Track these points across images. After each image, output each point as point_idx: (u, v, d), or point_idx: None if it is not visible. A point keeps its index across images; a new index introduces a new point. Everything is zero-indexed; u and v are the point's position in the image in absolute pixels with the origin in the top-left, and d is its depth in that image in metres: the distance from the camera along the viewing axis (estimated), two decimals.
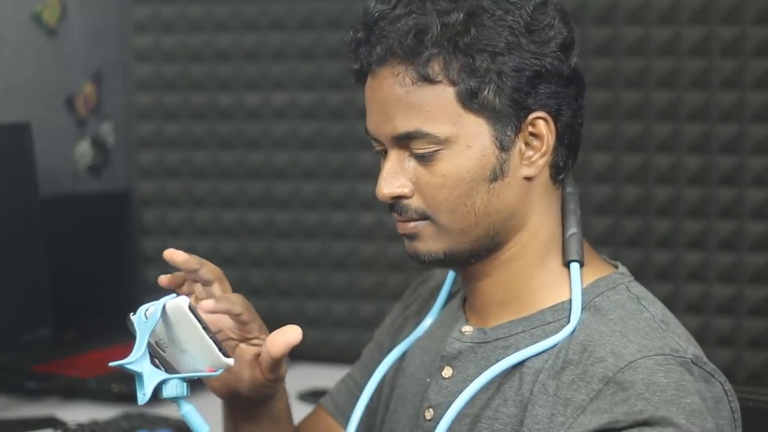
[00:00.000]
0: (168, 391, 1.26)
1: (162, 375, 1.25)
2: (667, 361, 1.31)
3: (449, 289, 1.54)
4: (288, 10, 2.87)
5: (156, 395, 1.26)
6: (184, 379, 1.26)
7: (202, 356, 1.25)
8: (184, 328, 1.22)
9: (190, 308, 1.20)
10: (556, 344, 1.36)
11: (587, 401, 1.30)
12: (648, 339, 1.34)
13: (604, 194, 2.66)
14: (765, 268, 2.55)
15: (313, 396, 2.53)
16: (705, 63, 2.58)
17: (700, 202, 2.59)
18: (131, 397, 2.50)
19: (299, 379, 2.69)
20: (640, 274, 2.60)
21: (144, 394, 1.25)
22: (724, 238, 2.58)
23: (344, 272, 2.87)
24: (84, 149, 2.89)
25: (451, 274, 1.54)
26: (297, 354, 2.86)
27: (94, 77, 2.91)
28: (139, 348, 1.24)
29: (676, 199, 2.61)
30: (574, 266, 1.40)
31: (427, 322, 1.54)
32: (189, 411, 1.26)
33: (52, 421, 2.24)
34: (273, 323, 3.07)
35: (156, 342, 1.26)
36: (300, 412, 2.55)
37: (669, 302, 2.59)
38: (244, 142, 2.91)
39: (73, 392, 2.46)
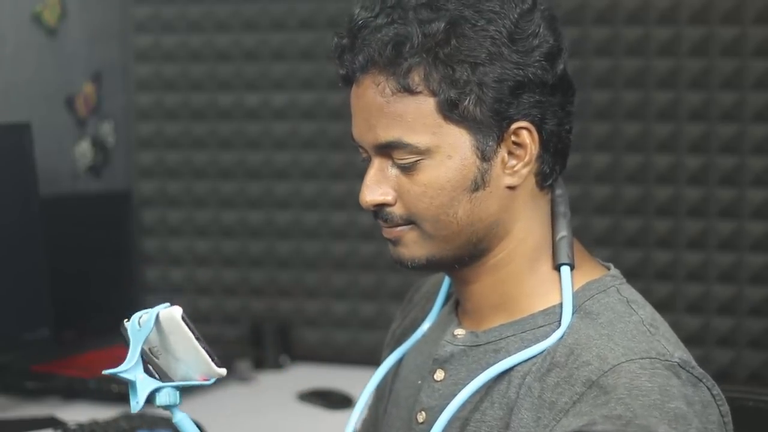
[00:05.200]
0: (161, 399, 1.26)
1: (155, 383, 1.26)
2: (653, 364, 1.31)
3: (446, 291, 1.54)
4: (288, 10, 2.87)
5: (149, 402, 1.27)
6: (177, 388, 1.26)
7: (195, 365, 1.26)
8: (178, 337, 1.22)
9: (183, 319, 1.20)
10: (545, 349, 1.36)
11: (570, 404, 1.30)
12: (635, 342, 1.33)
13: (604, 194, 2.66)
14: (765, 268, 2.55)
15: (313, 396, 2.54)
16: (705, 63, 2.58)
17: (700, 202, 2.59)
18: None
19: (299, 379, 2.70)
20: (640, 274, 2.62)
21: (137, 402, 1.26)
22: (724, 238, 2.58)
23: (344, 272, 2.87)
24: (84, 149, 2.89)
25: (447, 280, 1.54)
26: (297, 354, 2.89)
27: (94, 77, 2.91)
28: (132, 356, 1.24)
29: (676, 199, 2.61)
30: (565, 269, 1.40)
31: (425, 326, 1.54)
32: (182, 419, 1.27)
33: (52, 421, 2.24)
34: (273, 323, 3.08)
35: (150, 349, 1.26)
36: (300, 412, 2.56)
37: (669, 302, 2.61)
38: (244, 142, 2.91)
39: (73, 392, 2.46)
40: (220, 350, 1.31)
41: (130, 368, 1.24)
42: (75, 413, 2.30)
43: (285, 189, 2.90)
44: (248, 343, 2.81)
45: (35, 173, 2.42)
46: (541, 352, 1.36)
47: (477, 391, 1.38)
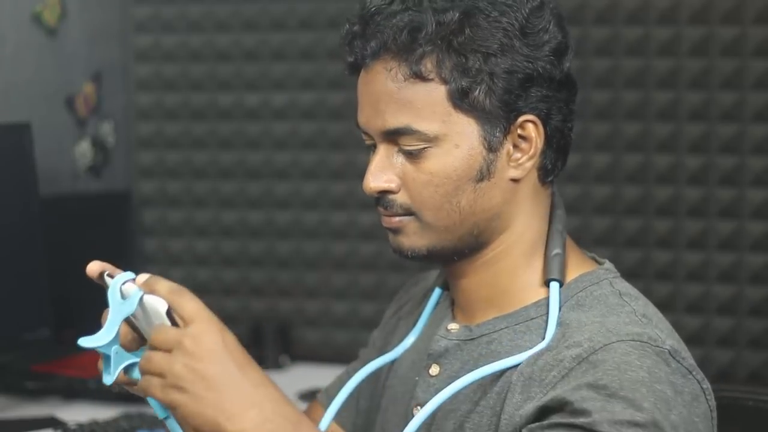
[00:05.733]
0: (136, 374, 1.25)
1: (130, 358, 1.25)
2: (643, 347, 1.32)
3: (434, 306, 1.54)
4: (288, 10, 2.87)
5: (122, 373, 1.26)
6: None
7: None
8: (159, 322, 1.21)
9: (168, 314, 1.19)
10: (537, 352, 1.36)
11: (558, 378, 1.31)
12: (627, 327, 1.34)
13: (604, 194, 2.66)
14: (765, 268, 2.55)
15: (313, 396, 2.53)
16: (705, 63, 2.58)
17: (700, 202, 2.59)
18: (131, 397, 2.51)
19: (299, 379, 2.70)
20: (640, 274, 2.62)
21: (110, 375, 1.25)
22: (724, 238, 2.58)
23: (344, 272, 2.87)
24: (84, 149, 2.89)
25: (437, 293, 1.55)
26: (297, 354, 2.89)
27: (94, 77, 2.91)
28: (111, 331, 1.23)
29: (676, 199, 2.61)
30: (554, 285, 1.41)
31: (409, 341, 1.54)
32: (157, 404, 1.25)
33: (52, 421, 2.24)
34: (273, 323, 3.08)
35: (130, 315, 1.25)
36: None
37: (669, 302, 2.61)
38: (244, 142, 2.91)
39: (73, 392, 2.46)
40: None
41: (108, 343, 1.23)
42: (75, 413, 2.30)
43: (285, 189, 2.90)
44: (248, 343, 2.80)
45: (35, 173, 2.42)
46: (534, 354, 1.37)
47: (473, 389, 1.39)
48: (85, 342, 1.23)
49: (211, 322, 1.17)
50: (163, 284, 1.18)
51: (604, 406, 1.25)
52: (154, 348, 1.16)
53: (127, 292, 1.22)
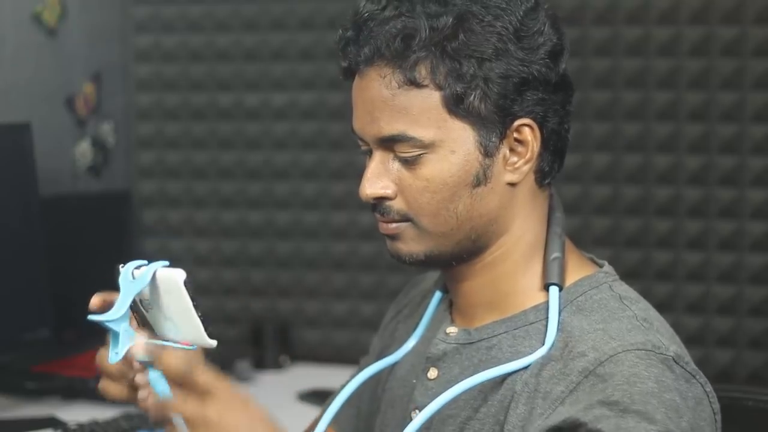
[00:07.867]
0: (141, 355, 1.25)
1: (139, 337, 1.24)
2: (648, 356, 1.31)
3: (435, 308, 1.54)
4: (288, 10, 2.87)
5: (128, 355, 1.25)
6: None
7: (184, 329, 1.23)
8: (173, 299, 1.20)
9: (186, 284, 1.18)
10: (537, 359, 1.36)
11: (566, 393, 1.31)
12: (630, 335, 1.34)
13: (604, 194, 2.66)
14: (765, 268, 2.55)
15: (313, 396, 2.53)
16: (705, 63, 2.58)
17: (700, 202, 2.59)
18: None
19: (299, 379, 2.70)
20: (640, 274, 2.63)
21: (117, 353, 1.24)
22: (724, 238, 2.58)
23: (344, 272, 2.87)
24: (84, 149, 2.88)
25: (437, 296, 1.54)
26: (297, 354, 2.89)
27: (94, 77, 2.91)
28: (121, 307, 1.22)
29: (676, 199, 2.61)
30: (553, 290, 1.40)
31: (410, 344, 1.54)
32: (156, 378, 1.25)
33: (52, 421, 2.24)
34: (273, 323, 3.08)
35: (140, 300, 1.24)
36: (300, 412, 2.57)
37: (669, 302, 2.61)
38: (244, 142, 2.91)
39: (73, 392, 2.45)
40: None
41: (117, 319, 1.23)
42: (75, 413, 2.30)
43: (285, 189, 2.90)
44: (248, 343, 2.81)
45: (35, 173, 2.42)
46: (533, 362, 1.36)
47: (473, 395, 1.39)
48: (95, 316, 1.23)
49: (231, 396, 1.21)
50: (174, 360, 1.20)
51: (618, 423, 1.25)
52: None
53: (138, 274, 1.23)
